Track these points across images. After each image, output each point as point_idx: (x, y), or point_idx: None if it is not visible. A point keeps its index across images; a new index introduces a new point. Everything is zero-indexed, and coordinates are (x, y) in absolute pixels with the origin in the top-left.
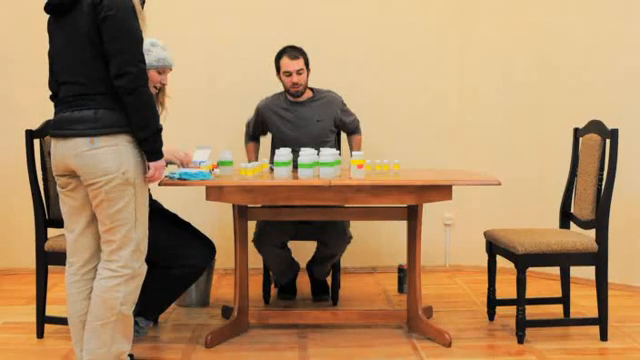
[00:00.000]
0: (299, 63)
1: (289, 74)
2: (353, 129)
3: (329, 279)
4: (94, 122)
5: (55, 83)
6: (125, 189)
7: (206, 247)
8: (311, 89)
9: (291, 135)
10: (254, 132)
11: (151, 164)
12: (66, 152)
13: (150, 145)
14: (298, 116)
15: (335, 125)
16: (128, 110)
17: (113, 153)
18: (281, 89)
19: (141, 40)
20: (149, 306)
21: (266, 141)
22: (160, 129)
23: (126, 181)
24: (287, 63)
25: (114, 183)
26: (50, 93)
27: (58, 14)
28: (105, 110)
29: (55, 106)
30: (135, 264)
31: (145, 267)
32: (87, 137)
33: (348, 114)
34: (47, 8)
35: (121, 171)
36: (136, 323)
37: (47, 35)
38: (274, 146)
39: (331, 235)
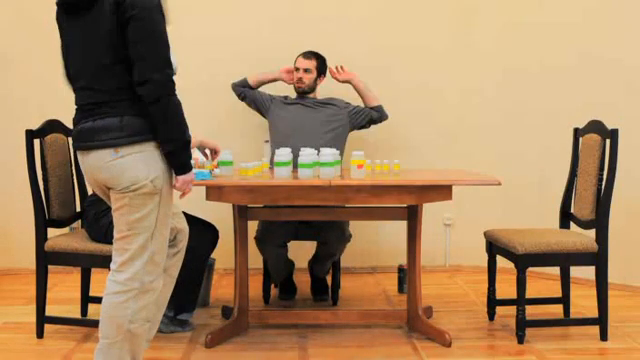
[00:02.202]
0: (309, 63)
1: (297, 69)
2: (377, 115)
3: (329, 279)
4: (119, 131)
5: (69, 81)
6: (151, 197)
7: (208, 229)
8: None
9: (288, 132)
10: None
11: (179, 178)
12: (92, 165)
13: (176, 159)
14: (303, 115)
15: (352, 127)
16: (153, 120)
17: (140, 160)
18: (281, 91)
19: (166, 43)
20: (178, 300)
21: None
22: (188, 141)
23: (154, 189)
24: (299, 59)
25: (142, 191)
26: (62, 89)
27: (72, 11)
28: (131, 117)
29: (75, 113)
30: (146, 277)
31: (160, 282)
32: (111, 147)
33: (355, 107)
34: (60, 3)
35: (150, 179)
36: (181, 321)
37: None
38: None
39: (330, 235)
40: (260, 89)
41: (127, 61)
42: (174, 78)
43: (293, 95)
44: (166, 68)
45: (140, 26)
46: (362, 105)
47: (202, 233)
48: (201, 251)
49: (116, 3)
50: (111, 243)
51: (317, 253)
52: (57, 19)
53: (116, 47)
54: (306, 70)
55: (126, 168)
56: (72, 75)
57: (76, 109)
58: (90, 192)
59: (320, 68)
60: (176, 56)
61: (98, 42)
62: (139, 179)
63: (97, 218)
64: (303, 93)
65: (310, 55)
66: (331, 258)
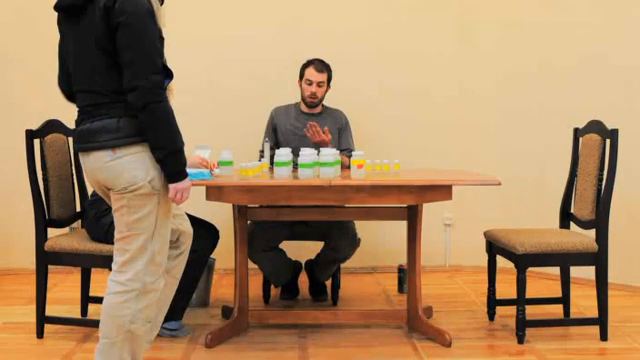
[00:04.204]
0: (322, 76)
1: (310, 83)
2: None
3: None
4: (116, 132)
5: (66, 82)
6: (150, 198)
7: (209, 231)
8: (322, 104)
9: (294, 143)
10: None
11: (171, 186)
12: (91, 166)
13: (167, 167)
14: (305, 126)
15: (338, 138)
16: (142, 127)
17: (138, 161)
18: (289, 97)
19: (156, 49)
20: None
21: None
22: (179, 149)
23: (152, 189)
24: (311, 73)
25: (140, 192)
26: (66, 92)
27: (69, 15)
28: (128, 118)
29: (77, 114)
30: (148, 278)
31: (161, 282)
32: (109, 149)
33: (347, 133)
34: (57, 8)
35: (148, 179)
36: (167, 329)
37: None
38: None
39: (342, 241)
40: (266, 133)
41: (119, 66)
42: (168, 83)
43: (295, 100)
44: (154, 75)
45: (128, 32)
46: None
47: (203, 236)
48: (202, 255)
49: (106, 9)
50: (112, 243)
51: (322, 257)
52: (58, 23)
53: (108, 52)
54: (319, 84)
55: (124, 169)
56: (72, 78)
57: (78, 111)
58: (90, 192)
59: (329, 79)
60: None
61: (91, 47)
62: (137, 180)
63: (98, 218)
64: (315, 106)
65: (323, 68)
66: (339, 263)
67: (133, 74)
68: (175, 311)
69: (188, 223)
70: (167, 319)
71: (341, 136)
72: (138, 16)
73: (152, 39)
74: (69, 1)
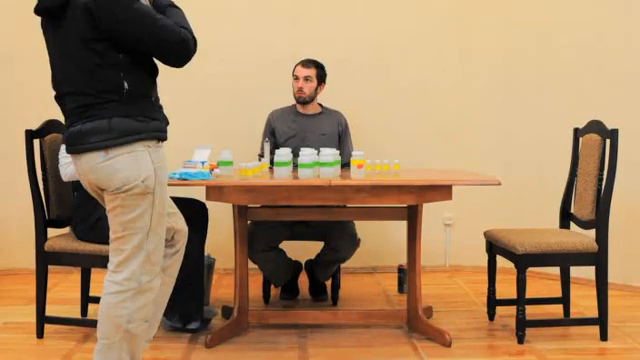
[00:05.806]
0: (308, 71)
1: (297, 78)
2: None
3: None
4: (108, 132)
5: (57, 87)
6: (144, 197)
7: (195, 219)
8: (320, 105)
9: (293, 145)
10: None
11: None
12: (83, 167)
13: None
14: (303, 128)
15: (338, 142)
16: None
17: (130, 161)
18: (289, 97)
19: (157, 24)
20: (181, 308)
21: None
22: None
23: (146, 189)
24: (298, 68)
25: (134, 191)
26: (54, 93)
27: (49, 18)
28: (118, 118)
29: (65, 117)
30: (144, 277)
31: (157, 281)
32: (101, 150)
33: (347, 140)
34: (36, 11)
35: (141, 179)
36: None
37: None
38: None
39: (342, 241)
40: (264, 137)
41: (108, 65)
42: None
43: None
44: (180, 32)
45: (130, 33)
46: (348, 144)
47: (191, 226)
48: (193, 249)
49: (85, 7)
50: (98, 240)
51: (323, 257)
52: (42, 27)
53: (96, 52)
54: (306, 78)
55: (117, 169)
56: (59, 80)
57: (66, 113)
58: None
59: (320, 76)
60: None
61: (78, 48)
62: (130, 180)
63: (84, 218)
64: (304, 102)
65: (309, 64)
66: (339, 263)
67: (165, 50)
68: (194, 311)
69: (183, 221)
70: (187, 320)
71: (342, 143)
72: (125, 11)
73: (150, 16)
74: (47, 3)
